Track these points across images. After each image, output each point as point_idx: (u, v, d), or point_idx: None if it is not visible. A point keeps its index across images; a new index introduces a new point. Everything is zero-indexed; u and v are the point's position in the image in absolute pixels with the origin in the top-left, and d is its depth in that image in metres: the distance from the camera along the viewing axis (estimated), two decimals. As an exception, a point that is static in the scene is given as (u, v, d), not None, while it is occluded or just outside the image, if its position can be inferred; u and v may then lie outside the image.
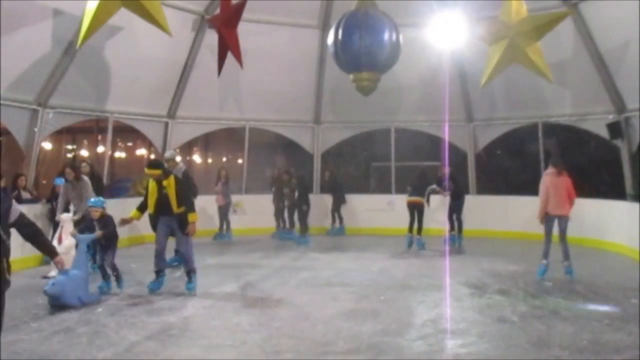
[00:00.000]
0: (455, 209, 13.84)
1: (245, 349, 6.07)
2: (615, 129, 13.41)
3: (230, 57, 13.18)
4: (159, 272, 8.88)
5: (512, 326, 6.93)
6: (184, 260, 8.92)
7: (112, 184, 16.83)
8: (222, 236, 15.02)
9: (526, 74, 12.34)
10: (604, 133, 13.76)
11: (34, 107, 12.07)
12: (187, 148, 27.13)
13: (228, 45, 13.02)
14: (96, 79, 13.06)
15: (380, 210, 15.12)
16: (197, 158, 30.31)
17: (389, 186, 16.97)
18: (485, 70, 12.10)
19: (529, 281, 9.52)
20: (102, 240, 8.75)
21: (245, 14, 12.97)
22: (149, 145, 24.99)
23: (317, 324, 7.02)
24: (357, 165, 22.73)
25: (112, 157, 22.69)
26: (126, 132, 22.91)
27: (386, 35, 11.67)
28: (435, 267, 11.09)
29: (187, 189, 9.14)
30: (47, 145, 23.39)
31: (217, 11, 13.51)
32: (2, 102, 11.17)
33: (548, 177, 10.06)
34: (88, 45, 10.67)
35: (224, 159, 29.55)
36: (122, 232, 12.50)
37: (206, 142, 28.32)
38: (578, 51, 13.30)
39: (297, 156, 18.72)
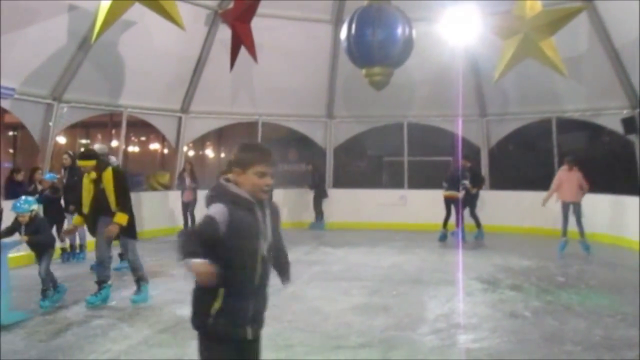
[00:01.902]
0: (469, 203, 13.77)
1: (257, 342, 6.10)
2: (629, 124, 13.32)
3: (242, 52, 13.20)
4: (102, 284, 7.63)
5: (525, 321, 6.93)
6: (132, 268, 7.85)
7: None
8: None
9: (539, 69, 12.30)
10: (618, 128, 13.68)
11: (49, 101, 12.15)
12: (200, 143, 27.26)
13: (242, 40, 13.04)
14: (110, 73, 13.12)
15: (392, 205, 15.12)
16: (209, 152, 30.42)
17: (401, 181, 16.96)
18: (498, 64, 12.07)
19: (541, 276, 9.50)
20: (33, 248, 7.60)
21: (258, 9, 13.00)
22: (163, 139, 25.10)
23: (329, 318, 7.05)
24: (370, 160, 22.71)
25: (125, 152, 22.79)
26: (140, 127, 23.03)
27: (399, 30, 11.66)
28: (448, 262, 11.09)
29: (126, 184, 7.90)
30: (62, 140, 23.58)
31: (230, 6, 13.54)
32: (17, 96, 11.27)
33: (563, 172, 11.95)
34: (102, 40, 10.74)
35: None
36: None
37: (219, 136, 28.39)
38: (593, 46, 13.21)
39: (310, 151, 18.74)
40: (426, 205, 14.42)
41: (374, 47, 11.68)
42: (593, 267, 10.01)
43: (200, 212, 14.15)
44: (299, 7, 14.86)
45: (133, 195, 13.45)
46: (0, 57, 10.16)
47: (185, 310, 7.20)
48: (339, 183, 17.46)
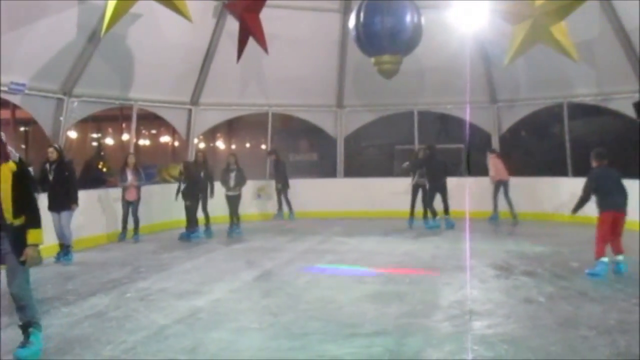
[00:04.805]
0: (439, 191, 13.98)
1: (272, 331, 6.13)
2: (641, 107, 13.22)
3: (251, 43, 13.16)
4: (29, 327, 5.45)
5: (539, 307, 6.92)
6: (18, 307, 5.40)
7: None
8: (124, 236, 12.58)
9: (550, 54, 12.21)
10: (630, 112, 13.59)
11: (59, 96, 12.19)
12: (210, 134, 27.34)
13: (251, 31, 12.98)
14: (120, 66, 13.15)
15: (404, 193, 15.06)
16: (220, 144, 30.50)
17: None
18: (508, 50, 11.98)
19: (555, 262, 9.48)
20: None
21: (266, -1, 12.96)
22: (173, 132, 25.20)
23: (343, 306, 7.07)
24: (381, 149, 22.71)
25: (136, 145, 22.88)
26: (150, 120, 23.16)
27: (408, 18, 11.63)
28: (461, 249, 11.04)
29: (30, 188, 5.66)
30: (73, 134, 23.71)
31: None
32: (27, 91, 11.31)
33: (496, 159, 14.60)
34: (111, 33, 10.73)
35: (247, 145, 29.72)
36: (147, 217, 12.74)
37: (229, 128, 28.47)
38: (603, 30, 13.11)
39: (320, 141, 18.73)
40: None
41: (382, 36, 11.65)
42: (607, 252, 9.95)
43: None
44: (307, -3, 14.83)
45: (146, 188, 13.67)
46: (3, 52, 10.19)
47: (201, 301, 7.29)
48: (350, 172, 17.43)
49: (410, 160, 14.42)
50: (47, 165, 10.20)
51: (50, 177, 10.11)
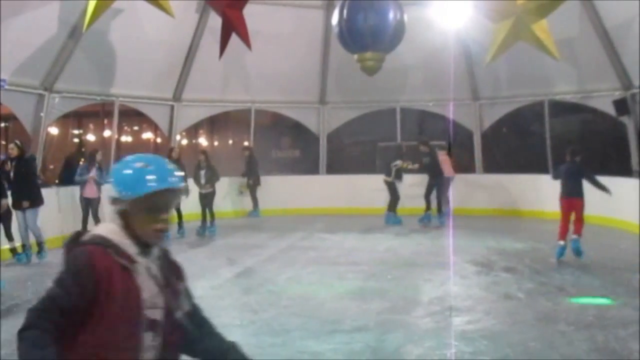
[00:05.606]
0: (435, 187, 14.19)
1: (254, 328, 6.14)
2: (621, 105, 13.35)
3: (233, 39, 13.11)
4: None
5: (518, 303, 6.99)
6: None
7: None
8: None
9: (531, 52, 12.28)
10: (610, 110, 13.71)
11: (40, 91, 12.08)
12: (192, 131, 27.19)
13: (234, 27, 12.92)
14: (101, 62, 13.04)
15: (385, 190, 15.11)
16: (203, 141, 30.35)
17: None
18: (490, 48, 12.04)
19: (535, 258, 9.55)
20: None
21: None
22: (155, 128, 25.03)
23: (325, 303, 7.10)
24: (363, 146, 22.71)
25: (118, 141, 22.73)
26: (132, 116, 22.96)
27: (390, 15, 11.66)
28: (442, 245, 11.11)
29: None
30: (54, 130, 23.48)
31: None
32: (7, 87, 11.20)
33: (444, 157, 14.49)
34: (92, 29, 10.63)
35: (230, 142, 29.61)
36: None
37: (212, 124, 28.31)
38: (584, 28, 13.21)
39: (303, 137, 18.72)
40: (421, 189, 14.40)
41: (365, 33, 11.67)
42: (586, 249, 10.08)
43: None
44: (290, -7, 14.81)
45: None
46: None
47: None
48: (332, 169, 17.45)
49: (402, 157, 14.43)
50: (9, 162, 9.99)
51: (12, 174, 9.82)
